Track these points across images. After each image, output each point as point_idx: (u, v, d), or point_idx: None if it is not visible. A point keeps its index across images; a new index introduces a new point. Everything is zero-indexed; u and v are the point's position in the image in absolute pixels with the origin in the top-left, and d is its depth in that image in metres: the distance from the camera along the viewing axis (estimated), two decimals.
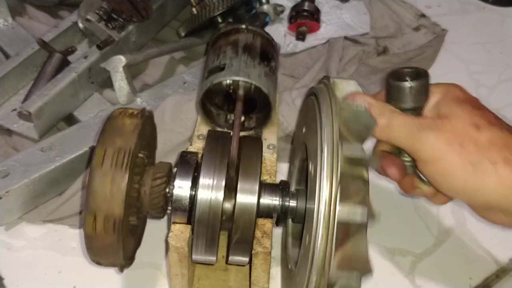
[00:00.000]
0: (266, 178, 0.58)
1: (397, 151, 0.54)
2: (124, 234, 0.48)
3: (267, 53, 0.64)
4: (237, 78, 0.58)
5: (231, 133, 0.56)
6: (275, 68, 0.65)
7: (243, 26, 0.65)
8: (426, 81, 0.48)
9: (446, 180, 0.47)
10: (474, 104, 0.48)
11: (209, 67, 0.62)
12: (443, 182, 0.47)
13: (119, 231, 0.47)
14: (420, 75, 0.48)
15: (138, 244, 0.58)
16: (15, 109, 0.75)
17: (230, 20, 0.89)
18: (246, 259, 0.53)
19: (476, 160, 0.45)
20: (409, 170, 0.54)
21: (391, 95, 0.49)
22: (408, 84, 0.48)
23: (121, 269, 0.53)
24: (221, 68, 0.60)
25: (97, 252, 0.50)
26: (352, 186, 0.43)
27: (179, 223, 0.53)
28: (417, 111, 0.49)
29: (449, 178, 0.46)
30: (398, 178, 0.53)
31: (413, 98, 0.48)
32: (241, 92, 0.59)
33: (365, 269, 0.43)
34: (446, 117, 0.47)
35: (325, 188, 0.42)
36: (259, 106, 0.63)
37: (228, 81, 0.59)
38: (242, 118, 0.58)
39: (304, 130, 0.57)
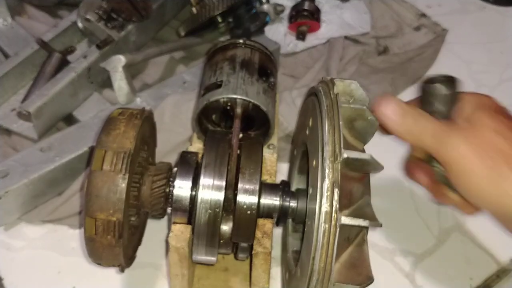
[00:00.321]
0: (266, 178, 0.57)
1: (428, 159, 0.54)
2: (125, 239, 0.48)
3: (265, 69, 0.63)
4: (234, 96, 0.57)
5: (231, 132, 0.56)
6: (274, 84, 0.63)
7: (241, 41, 0.63)
8: (455, 86, 0.49)
9: (468, 185, 0.47)
10: (504, 114, 0.49)
11: (205, 83, 0.60)
12: (465, 187, 0.47)
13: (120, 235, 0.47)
14: (450, 81, 0.50)
15: (138, 244, 0.58)
16: (14, 109, 0.74)
17: (230, 20, 0.89)
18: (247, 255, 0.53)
19: (496, 166, 0.45)
20: (439, 177, 0.54)
21: (423, 100, 0.51)
22: (437, 87, 0.49)
23: (122, 270, 0.53)
24: (218, 85, 0.58)
25: (98, 256, 0.50)
26: (353, 189, 0.43)
27: (180, 223, 0.52)
28: (447, 117, 0.50)
29: (471, 183, 0.46)
30: (426, 183, 0.54)
31: (443, 102, 0.49)
32: (239, 110, 0.58)
33: (366, 276, 0.43)
34: (473, 124, 0.47)
35: (327, 189, 0.42)
36: (257, 123, 0.61)
37: (225, 99, 0.58)
38: (240, 135, 0.56)
39: (304, 130, 0.57)
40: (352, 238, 0.45)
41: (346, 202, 0.44)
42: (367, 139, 0.49)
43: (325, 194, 0.42)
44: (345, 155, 0.42)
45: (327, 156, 0.43)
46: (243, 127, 0.58)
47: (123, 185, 0.46)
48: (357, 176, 0.46)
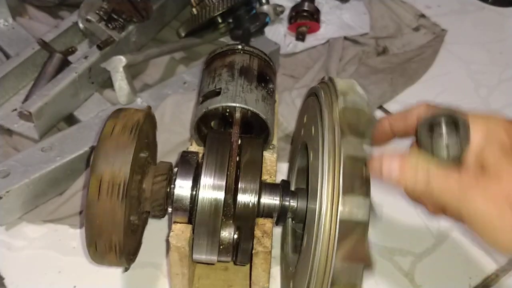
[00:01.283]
0: (266, 178, 0.58)
1: None
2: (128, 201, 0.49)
3: (264, 76, 0.62)
4: (233, 105, 0.56)
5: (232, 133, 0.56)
6: (273, 90, 0.63)
7: (239, 47, 0.63)
8: (466, 131, 0.42)
9: (495, 240, 0.42)
10: None
11: (204, 91, 0.60)
12: (491, 242, 0.43)
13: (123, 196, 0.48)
14: (457, 122, 0.42)
15: (139, 243, 0.59)
16: (15, 109, 0.75)
17: (230, 20, 0.89)
18: (247, 259, 0.53)
19: None
20: None
21: (424, 145, 0.43)
22: (445, 140, 0.42)
23: (128, 264, 0.53)
24: (216, 93, 0.58)
25: (100, 262, 0.51)
26: (354, 185, 0.43)
27: (180, 223, 0.53)
28: (456, 162, 0.43)
29: (498, 239, 0.42)
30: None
31: (452, 150, 0.42)
32: (237, 116, 0.57)
33: (367, 263, 0.43)
34: (492, 173, 0.41)
35: (327, 188, 0.42)
36: (256, 129, 0.61)
37: (224, 107, 0.57)
38: (239, 142, 0.56)
39: (304, 130, 0.57)
40: (353, 231, 0.45)
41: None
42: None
43: (324, 193, 0.42)
44: (344, 155, 0.42)
45: (326, 156, 0.43)
46: (242, 132, 0.58)
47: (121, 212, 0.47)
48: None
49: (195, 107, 0.72)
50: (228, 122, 0.60)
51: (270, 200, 0.53)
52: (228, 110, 0.58)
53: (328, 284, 0.42)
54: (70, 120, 0.77)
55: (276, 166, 0.60)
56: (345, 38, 0.95)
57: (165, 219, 0.67)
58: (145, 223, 0.60)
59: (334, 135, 0.44)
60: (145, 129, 0.55)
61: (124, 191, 0.47)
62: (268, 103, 0.59)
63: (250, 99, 0.57)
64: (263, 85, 0.61)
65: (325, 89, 0.49)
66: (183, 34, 0.92)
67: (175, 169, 0.53)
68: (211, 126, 0.63)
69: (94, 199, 0.47)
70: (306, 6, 0.95)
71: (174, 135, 0.73)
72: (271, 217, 0.54)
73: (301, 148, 0.59)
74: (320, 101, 0.49)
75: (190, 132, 0.62)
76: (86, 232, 0.48)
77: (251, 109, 0.57)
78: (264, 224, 0.53)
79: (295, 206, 0.54)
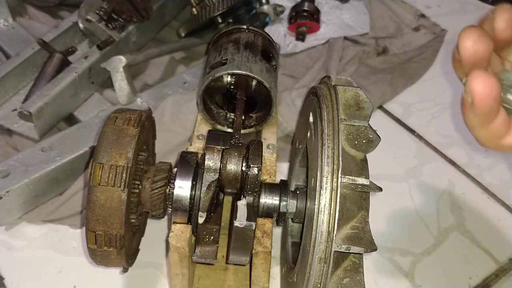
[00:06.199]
0: (266, 178, 0.58)
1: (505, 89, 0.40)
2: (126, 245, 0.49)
3: (268, 52, 0.65)
4: (239, 72, 0.58)
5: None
6: (276, 67, 0.65)
7: (244, 26, 0.65)
8: None
9: None
10: None
11: (210, 63, 0.62)
12: None
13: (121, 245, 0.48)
14: None
15: (137, 246, 0.59)
16: (15, 109, 0.75)
17: (230, 20, 0.89)
18: (246, 259, 0.53)
19: None
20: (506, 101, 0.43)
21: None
22: None
23: (125, 270, 0.53)
24: (223, 63, 0.60)
25: (100, 262, 0.51)
26: (353, 190, 0.43)
27: (180, 223, 0.53)
28: None
29: None
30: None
31: None
32: (242, 84, 0.59)
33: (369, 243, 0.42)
34: None
35: (326, 189, 0.42)
36: (259, 104, 0.63)
37: (229, 78, 0.59)
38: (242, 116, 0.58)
39: (304, 130, 0.57)
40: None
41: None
42: (368, 150, 0.48)
43: (324, 193, 0.42)
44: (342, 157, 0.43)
45: (325, 156, 0.43)
46: (246, 109, 0.60)
47: (123, 199, 0.47)
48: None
49: (200, 80, 0.73)
50: (233, 97, 0.61)
51: (269, 200, 0.53)
52: (232, 83, 0.60)
53: (327, 283, 0.43)
54: (70, 120, 0.77)
55: (275, 166, 0.60)
56: (345, 38, 0.95)
57: (165, 219, 0.67)
58: (144, 224, 0.60)
59: (333, 137, 0.44)
60: (146, 127, 0.55)
61: (126, 178, 0.47)
62: (272, 75, 0.62)
63: (255, 68, 0.59)
64: (266, 60, 0.63)
65: (326, 91, 0.49)
66: (183, 34, 0.92)
67: (175, 170, 0.53)
68: (216, 102, 0.64)
69: (95, 186, 0.47)
70: (306, 6, 0.95)
71: (174, 135, 0.73)
72: (271, 217, 0.54)
73: (301, 148, 0.59)
74: (321, 102, 0.48)
75: (197, 103, 0.64)
76: (87, 225, 0.48)
77: (256, 76, 0.58)
78: (264, 224, 0.53)
79: (295, 206, 0.54)
